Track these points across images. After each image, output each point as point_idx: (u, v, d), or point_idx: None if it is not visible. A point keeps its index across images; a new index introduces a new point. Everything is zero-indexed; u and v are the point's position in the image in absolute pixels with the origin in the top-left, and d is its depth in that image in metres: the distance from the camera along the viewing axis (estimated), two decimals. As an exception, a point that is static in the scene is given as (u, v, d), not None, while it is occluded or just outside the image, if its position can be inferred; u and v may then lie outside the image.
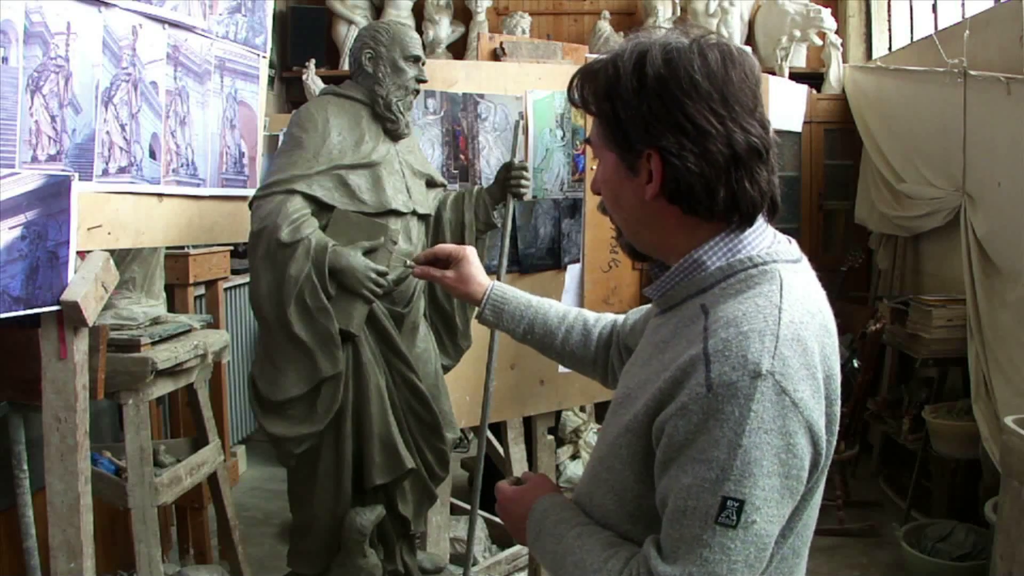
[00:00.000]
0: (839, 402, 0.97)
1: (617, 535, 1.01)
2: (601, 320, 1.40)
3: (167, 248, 2.76)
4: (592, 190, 1.11)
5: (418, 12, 5.44)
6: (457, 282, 1.44)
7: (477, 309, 1.44)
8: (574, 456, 3.99)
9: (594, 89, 1.02)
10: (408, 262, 1.59)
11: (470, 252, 1.46)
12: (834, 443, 0.96)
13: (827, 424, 0.93)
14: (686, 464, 0.89)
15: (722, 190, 0.95)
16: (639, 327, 1.28)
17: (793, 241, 1.04)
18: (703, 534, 0.88)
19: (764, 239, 1.00)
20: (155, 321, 2.54)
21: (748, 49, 1.11)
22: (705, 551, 0.88)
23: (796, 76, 4.95)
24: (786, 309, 0.92)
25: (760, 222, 1.01)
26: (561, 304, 1.43)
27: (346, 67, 4.35)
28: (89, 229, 1.87)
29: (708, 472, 0.88)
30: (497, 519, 3.37)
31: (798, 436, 0.89)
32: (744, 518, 0.87)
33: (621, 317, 1.38)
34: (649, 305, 1.19)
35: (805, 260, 1.03)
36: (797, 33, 4.95)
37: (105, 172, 1.90)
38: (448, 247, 1.49)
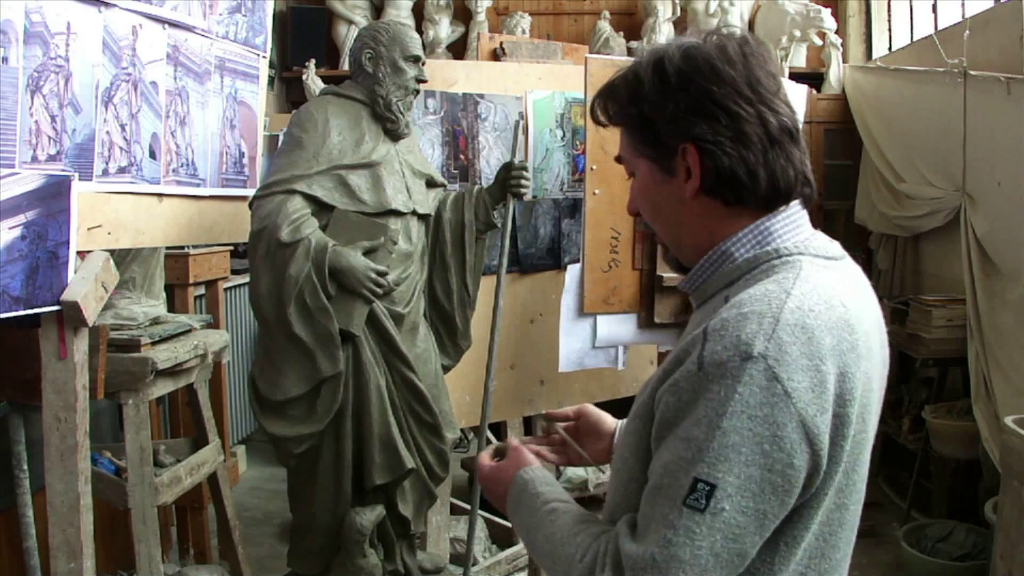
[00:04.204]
0: (861, 405, 0.90)
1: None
2: None
3: (167, 248, 2.76)
4: (629, 211, 1.08)
5: (418, 12, 5.43)
6: (599, 452, 1.28)
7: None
8: (574, 456, 3.98)
9: (617, 100, 1.00)
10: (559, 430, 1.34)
11: (586, 410, 1.31)
12: (848, 449, 0.90)
13: (837, 426, 0.87)
14: (670, 442, 0.88)
15: (762, 171, 0.94)
16: None
17: (836, 242, 1.02)
18: (670, 514, 0.85)
19: (799, 233, 0.98)
20: (155, 321, 2.54)
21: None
22: (669, 532, 0.85)
23: (796, 76, 4.94)
24: (795, 295, 0.89)
25: (796, 212, 0.99)
26: None
27: (346, 67, 4.35)
28: (89, 229, 1.87)
29: (685, 451, 0.85)
30: (497, 519, 3.37)
31: (786, 429, 0.84)
32: (713, 503, 0.84)
33: None
34: None
35: (848, 260, 1.00)
36: (797, 33, 4.95)
37: (105, 172, 1.90)
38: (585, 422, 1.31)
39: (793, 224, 0.98)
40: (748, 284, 0.94)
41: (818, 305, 0.89)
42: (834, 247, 1.01)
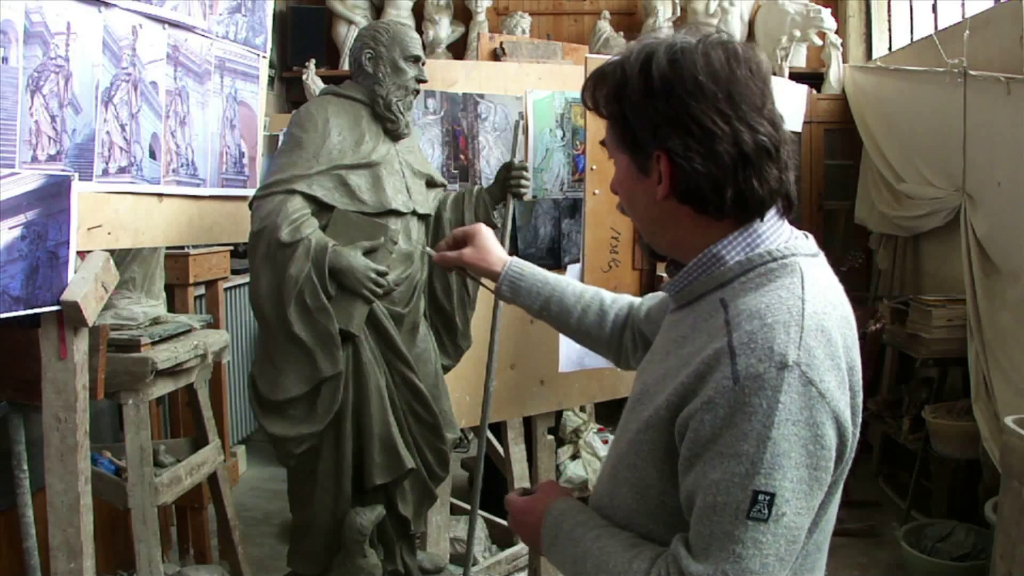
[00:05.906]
0: (861, 394, 0.97)
1: (638, 535, 1.00)
2: (618, 302, 1.39)
3: (167, 248, 2.76)
4: (611, 190, 1.13)
5: (418, 12, 5.43)
6: (476, 258, 1.42)
7: (496, 284, 1.42)
8: (574, 456, 3.98)
9: (604, 92, 1.03)
10: (426, 249, 1.56)
11: (483, 228, 1.46)
12: (858, 435, 0.96)
13: (851, 416, 0.93)
14: (714, 459, 0.89)
15: (730, 189, 0.96)
16: (654, 316, 1.28)
17: (810, 236, 1.05)
18: (735, 530, 0.88)
19: (781, 234, 1.01)
20: (155, 321, 2.54)
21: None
22: (738, 547, 0.87)
23: (796, 76, 4.94)
24: (809, 300, 0.93)
25: (774, 217, 1.01)
26: (578, 283, 1.43)
27: (346, 67, 4.35)
28: (89, 229, 1.87)
29: (738, 466, 0.88)
30: (497, 519, 3.37)
31: (825, 427, 0.89)
32: (775, 511, 0.87)
33: (638, 300, 1.39)
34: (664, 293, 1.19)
35: (822, 256, 1.04)
36: (797, 33, 4.95)
37: (105, 172, 1.90)
38: (460, 228, 1.48)
39: (775, 227, 1.01)
40: (747, 288, 0.97)
41: (827, 307, 0.94)
42: (812, 244, 1.04)
